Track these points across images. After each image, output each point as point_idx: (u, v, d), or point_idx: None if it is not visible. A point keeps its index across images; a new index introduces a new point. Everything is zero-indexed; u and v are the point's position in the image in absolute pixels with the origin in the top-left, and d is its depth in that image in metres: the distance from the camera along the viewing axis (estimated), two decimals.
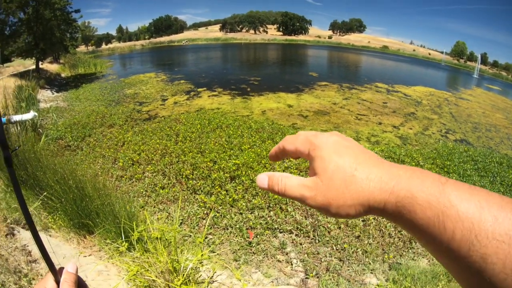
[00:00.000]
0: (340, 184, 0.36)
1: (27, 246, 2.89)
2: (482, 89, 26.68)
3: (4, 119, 5.80)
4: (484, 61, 62.23)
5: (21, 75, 14.04)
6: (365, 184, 0.35)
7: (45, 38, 17.55)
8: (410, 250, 3.96)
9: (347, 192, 0.36)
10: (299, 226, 4.17)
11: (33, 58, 18.43)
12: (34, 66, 18.90)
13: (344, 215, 0.37)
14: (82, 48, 57.62)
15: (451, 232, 0.28)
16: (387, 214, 0.34)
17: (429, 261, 3.83)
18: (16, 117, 6.46)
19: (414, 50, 79.66)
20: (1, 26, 16.49)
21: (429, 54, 75.45)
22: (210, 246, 3.62)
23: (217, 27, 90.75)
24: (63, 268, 0.55)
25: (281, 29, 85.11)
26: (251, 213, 4.42)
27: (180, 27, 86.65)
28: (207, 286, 2.54)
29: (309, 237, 4.04)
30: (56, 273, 0.55)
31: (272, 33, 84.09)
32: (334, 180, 0.37)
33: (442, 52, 72.91)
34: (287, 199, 4.68)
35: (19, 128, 6.50)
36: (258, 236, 3.98)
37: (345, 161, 0.37)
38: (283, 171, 5.51)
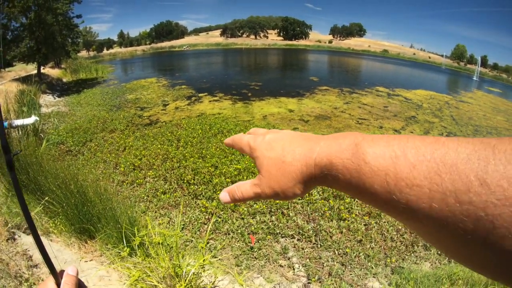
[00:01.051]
0: (276, 173, 0.41)
1: (28, 251, 2.88)
2: (483, 92, 26.71)
3: (5, 124, 5.81)
4: (484, 63, 62.44)
5: (23, 79, 14.10)
6: (294, 166, 0.39)
7: (47, 43, 17.63)
8: (412, 254, 3.93)
9: (284, 177, 0.40)
10: (301, 231, 4.16)
11: (35, 63, 18.52)
12: (35, 71, 18.98)
13: (292, 196, 0.41)
14: (83, 53, 57.96)
15: (371, 187, 0.30)
16: (321, 183, 0.37)
17: (431, 264, 3.80)
18: (18, 122, 6.47)
19: (414, 54, 79.99)
20: (3, 31, 16.59)
21: (429, 57, 75.72)
22: (211, 252, 3.61)
23: (218, 32, 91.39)
24: (63, 271, 0.56)
25: (281, 34, 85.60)
26: (252, 218, 4.41)
27: (181, 32, 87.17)
28: None
29: (311, 241, 4.03)
30: (57, 275, 0.56)
31: (273, 38, 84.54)
32: (271, 172, 0.42)
33: (442, 56, 73.21)
34: (289, 204, 4.67)
35: (20, 132, 6.51)
36: (260, 241, 3.96)
37: (275, 153, 0.42)
38: None
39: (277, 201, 4.65)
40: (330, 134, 0.39)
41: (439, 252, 4.00)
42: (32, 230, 0.56)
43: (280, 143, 0.43)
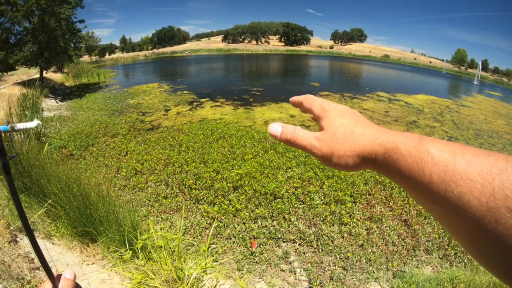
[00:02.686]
0: (342, 137, 0.43)
1: (30, 253, 2.89)
2: (484, 96, 26.73)
3: (7, 127, 5.83)
4: (485, 67, 62.48)
5: (25, 83, 14.19)
6: (361, 138, 0.42)
7: (49, 47, 17.77)
8: (414, 258, 3.92)
9: (347, 144, 0.43)
10: (302, 236, 4.16)
11: (38, 67, 18.63)
12: (38, 75, 19.10)
13: (343, 165, 0.43)
14: (85, 58, 58.34)
15: (429, 175, 0.33)
16: (377, 164, 0.40)
17: (433, 268, 3.79)
18: (20, 125, 6.45)
19: (415, 59, 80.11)
20: (7, 35, 16.72)
21: (430, 62, 75.85)
22: (213, 256, 3.61)
23: (220, 37, 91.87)
24: (61, 275, 0.57)
25: (283, 40, 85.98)
26: (254, 223, 4.41)
27: (183, 38, 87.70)
28: None
29: (312, 246, 4.02)
30: (54, 279, 0.56)
31: (274, 44, 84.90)
32: (337, 133, 0.44)
33: (443, 60, 73.32)
34: (290, 209, 4.67)
35: (22, 136, 6.54)
36: (261, 246, 3.96)
37: (347, 121, 0.45)
38: (286, 180, 5.52)
39: (279, 205, 4.66)
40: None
41: (440, 256, 3.99)
42: (29, 234, 0.56)
43: (354, 117, 0.46)
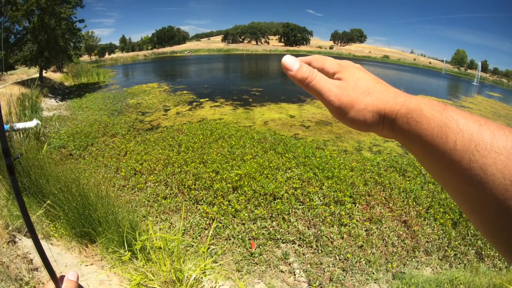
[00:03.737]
0: (364, 89, 0.40)
1: (29, 254, 2.88)
2: (483, 97, 26.78)
3: (7, 127, 5.82)
4: (484, 68, 62.58)
5: (25, 83, 14.16)
6: (384, 95, 0.40)
7: (49, 46, 17.76)
8: (413, 259, 3.92)
9: (368, 97, 0.40)
10: (301, 237, 4.15)
11: (37, 66, 18.62)
12: (37, 75, 19.08)
13: (361, 120, 0.40)
14: (85, 57, 58.33)
15: (453, 142, 0.31)
16: (397, 126, 0.38)
17: (433, 269, 3.79)
18: (19, 125, 6.48)
19: (414, 59, 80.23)
20: (6, 34, 16.70)
21: (430, 63, 75.96)
22: (212, 257, 3.60)
23: (219, 38, 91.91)
24: (64, 276, 0.56)
25: (282, 40, 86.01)
26: (253, 224, 4.40)
27: (183, 37, 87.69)
28: None
29: (312, 247, 4.02)
30: (57, 281, 0.55)
31: (274, 44, 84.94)
32: (359, 85, 0.41)
33: (442, 61, 73.34)
34: (290, 210, 4.66)
35: (22, 136, 6.53)
36: (260, 247, 3.96)
37: (368, 76, 0.43)
38: (286, 180, 5.51)
39: (278, 206, 4.65)
40: None
41: (440, 257, 3.99)
42: (33, 234, 0.56)
43: (373, 75, 0.43)
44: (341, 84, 0.41)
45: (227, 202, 4.85)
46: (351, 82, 0.41)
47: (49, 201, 3.31)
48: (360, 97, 0.40)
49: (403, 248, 4.08)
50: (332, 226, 4.41)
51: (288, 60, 0.43)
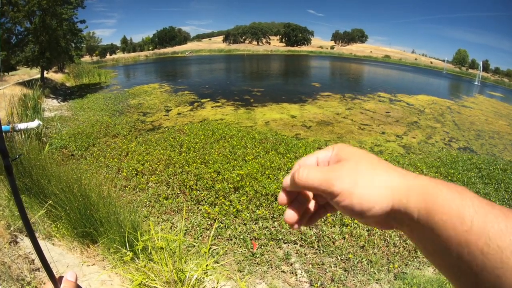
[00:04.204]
0: (367, 167, 0.37)
1: (31, 254, 2.88)
2: (485, 96, 26.71)
3: (8, 127, 5.84)
4: (485, 68, 62.51)
5: (26, 84, 14.19)
6: (390, 172, 0.36)
7: (50, 47, 17.79)
8: (415, 260, 3.91)
9: (374, 173, 0.36)
10: (303, 237, 4.14)
11: (39, 67, 18.65)
12: (39, 75, 19.12)
13: (371, 214, 0.36)
14: (86, 58, 58.49)
15: (470, 222, 0.29)
16: (403, 223, 0.35)
17: (434, 270, 3.77)
18: (21, 126, 6.50)
19: (416, 59, 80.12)
20: (8, 35, 16.74)
21: (431, 62, 75.85)
22: (214, 257, 3.60)
23: (220, 38, 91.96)
24: (62, 276, 0.56)
25: (283, 40, 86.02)
26: (255, 224, 4.39)
27: (184, 38, 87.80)
28: None
29: (313, 247, 4.01)
30: (56, 281, 0.55)
31: (275, 44, 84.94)
32: (360, 162, 0.37)
33: (443, 61, 73.19)
34: None
35: (23, 136, 6.54)
36: (262, 247, 3.95)
37: (370, 155, 0.39)
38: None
39: (280, 206, 4.64)
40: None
41: None
42: (31, 235, 0.56)
43: (370, 158, 0.39)
44: (339, 166, 0.39)
45: (229, 203, 4.85)
46: (353, 159, 0.39)
47: (50, 202, 3.32)
48: (364, 174, 0.37)
49: (404, 248, 4.07)
50: (334, 226, 4.41)
51: (280, 199, 0.43)
